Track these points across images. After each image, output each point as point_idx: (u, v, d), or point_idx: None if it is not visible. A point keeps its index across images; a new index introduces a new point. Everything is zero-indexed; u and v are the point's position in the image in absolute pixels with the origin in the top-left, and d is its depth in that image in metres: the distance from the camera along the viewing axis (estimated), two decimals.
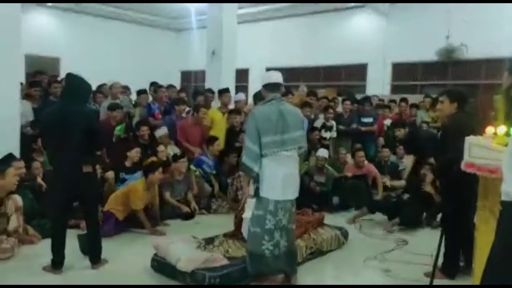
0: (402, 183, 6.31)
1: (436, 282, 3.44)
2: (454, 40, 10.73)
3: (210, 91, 7.83)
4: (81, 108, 3.90)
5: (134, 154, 5.85)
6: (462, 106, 3.92)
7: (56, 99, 5.98)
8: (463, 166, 2.81)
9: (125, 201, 5.03)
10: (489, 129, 2.80)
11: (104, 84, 7.66)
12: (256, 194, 3.52)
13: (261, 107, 3.58)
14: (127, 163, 5.83)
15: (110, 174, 5.58)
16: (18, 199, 4.40)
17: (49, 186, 4.31)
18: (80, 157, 3.76)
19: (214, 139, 6.56)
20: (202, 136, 6.77)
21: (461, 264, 3.93)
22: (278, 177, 3.43)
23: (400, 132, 5.45)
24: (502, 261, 1.79)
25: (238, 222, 4.29)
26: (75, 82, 3.88)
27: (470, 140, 2.82)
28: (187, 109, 7.54)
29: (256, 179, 3.47)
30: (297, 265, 3.81)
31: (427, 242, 4.53)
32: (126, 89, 8.15)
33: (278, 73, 3.68)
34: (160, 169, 5.26)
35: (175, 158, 5.94)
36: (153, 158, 5.84)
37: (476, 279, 2.73)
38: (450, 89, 4.26)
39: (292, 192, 3.54)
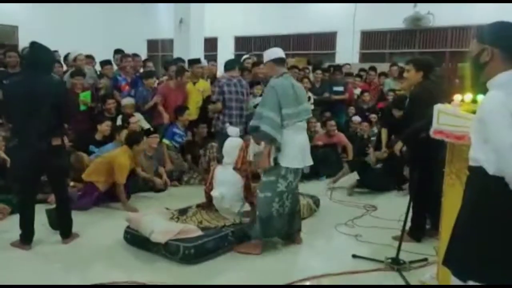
0: (384, 155, 6.39)
1: (404, 245, 3.57)
2: (421, 8, 10.83)
3: (181, 60, 7.65)
4: (49, 79, 3.75)
5: (105, 127, 5.70)
6: (428, 74, 3.99)
7: (12, 70, 5.70)
8: (431, 133, 2.88)
9: (108, 171, 4.84)
10: (457, 97, 2.86)
11: (68, 54, 7.36)
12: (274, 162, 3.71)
13: (278, 80, 3.78)
14: (97, 136, 5.69)
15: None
16: None
17: (14, 160, 4.14)
18: (49, 130, 3.63)
19: (184, 108, 6.44)
20: (183, 101, 6.54)
21: (428, 227, 4.09)
22: (297, 146, 3.73)
23: (399, 113, 5.46)
24: (468, 224, 1.86)
25: (209, 196, 4.29)
26: (40, 52, 3.69)
27: (438, 107, 2.87)
28: (157, 81, 7.35)
29: (278, 148, 3.68)
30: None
31: (394, 207, 4.69)
32: (90, 59, 7.84)
33: (280, 49, 3.95)
34: (145, 138, 5.17)
35: (147, 133, 5.82)
36: (125, 130, 5.69)
37: (443, 242, 2.84)
38: (416, 58, 4.32)
39: (308, 159, 3.88)
